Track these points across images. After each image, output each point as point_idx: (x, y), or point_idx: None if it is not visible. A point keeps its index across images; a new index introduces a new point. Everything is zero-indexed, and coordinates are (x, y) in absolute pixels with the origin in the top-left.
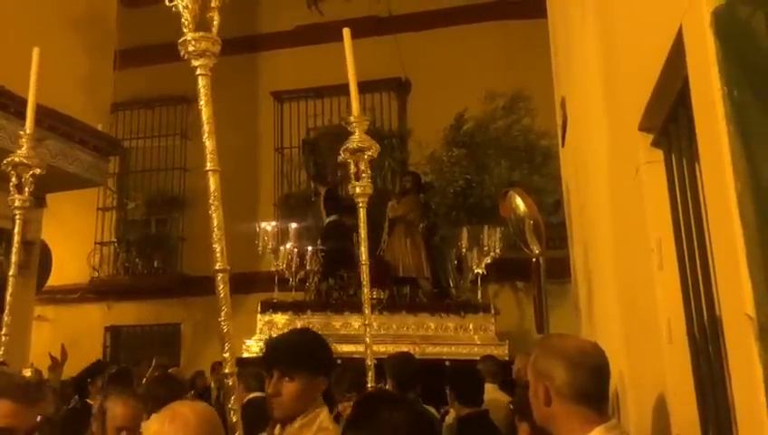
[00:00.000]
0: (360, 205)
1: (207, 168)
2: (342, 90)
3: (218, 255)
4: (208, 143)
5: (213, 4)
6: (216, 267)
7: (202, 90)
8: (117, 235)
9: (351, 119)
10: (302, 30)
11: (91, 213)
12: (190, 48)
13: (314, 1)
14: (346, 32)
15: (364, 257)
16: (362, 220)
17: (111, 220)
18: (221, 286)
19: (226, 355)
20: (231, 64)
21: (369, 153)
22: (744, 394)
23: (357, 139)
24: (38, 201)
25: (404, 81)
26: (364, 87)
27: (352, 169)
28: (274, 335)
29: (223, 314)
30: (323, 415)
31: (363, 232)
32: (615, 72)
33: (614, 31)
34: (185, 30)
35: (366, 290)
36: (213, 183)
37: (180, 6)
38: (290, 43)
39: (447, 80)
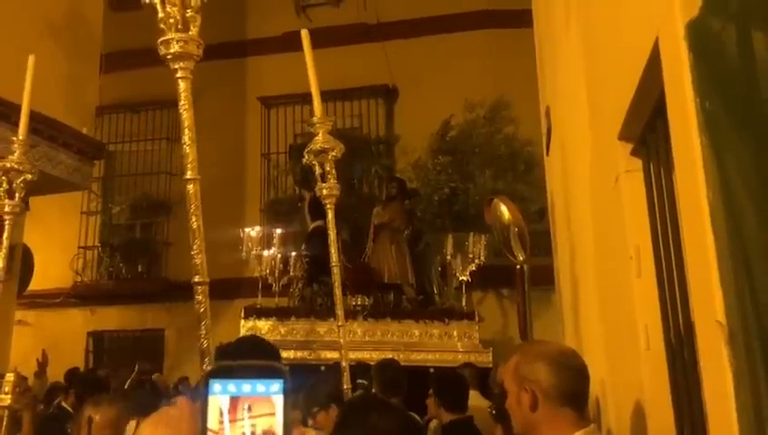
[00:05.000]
0: (328, 206)
1: (188, 176)
2: (330, 96)
3: (198, 267)
4: (189, 151)
5: (192, 4)
6: (195, 280)
7: (183, 94)
8: (101, 239)
9: (314, 120)
10: (291, 36)
11: (75, 217)
12: (174, 49)
13: (303, 8)
14: (304, 33)
15: (334, 259)
16: (331, 222)
17: (95, 224)
18: (201, 300)
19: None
20: (218, 69)
21: (334, 153)
22: (716, 399)
23: (321, 140)
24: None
25: (391, 87)
26: (352, 93)
27: (317, 170)
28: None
29: (203, 327)
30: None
31: (333, 234)
32: (597, 81)
33: (596, 42)
34: (163, 27)
35: (338, 292)
36: (193, 193)
37: (158, 3)
38: (278, 49)
39: (434, 87)
